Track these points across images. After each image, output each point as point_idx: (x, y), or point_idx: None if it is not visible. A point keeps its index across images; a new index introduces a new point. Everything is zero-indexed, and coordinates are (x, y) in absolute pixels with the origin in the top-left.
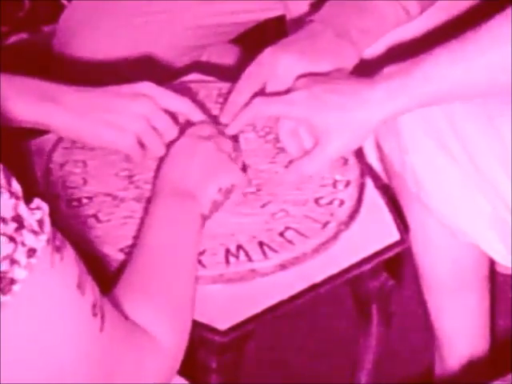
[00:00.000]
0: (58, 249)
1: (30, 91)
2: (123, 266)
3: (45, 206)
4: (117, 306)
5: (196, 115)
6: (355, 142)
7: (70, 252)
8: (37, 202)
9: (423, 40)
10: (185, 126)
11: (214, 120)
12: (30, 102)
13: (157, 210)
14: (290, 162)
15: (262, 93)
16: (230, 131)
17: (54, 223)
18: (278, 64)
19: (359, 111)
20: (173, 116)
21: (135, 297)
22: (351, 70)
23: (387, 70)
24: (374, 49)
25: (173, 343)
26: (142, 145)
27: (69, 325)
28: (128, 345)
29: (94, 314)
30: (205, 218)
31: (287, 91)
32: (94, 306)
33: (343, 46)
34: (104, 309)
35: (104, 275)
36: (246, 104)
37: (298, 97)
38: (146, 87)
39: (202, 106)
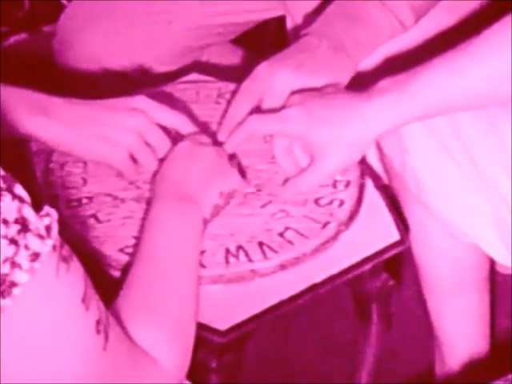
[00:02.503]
0: (64, 259)
1: (22, 103)
2: (125, 273)
3: (54, 213)
4: (118, 321)
5: (190, 130)
6: (352, 157)
7: (77, 265)
8: (47, 208)
9: (418, 51)
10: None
11: (212, 136)
12: (21, 113)
13: (157, 216)
14: (286, 180)
15: (258, 108)
16: (227, 149)
17: (62, 234)
18: (274, 78)
19: (355, 126)
20: (166, 130)
21: (136, 314)
22: (346, 84)
23: (382, 83)
24: (369, 61)
25: (174, 365)
26: (134, 160)
27: (70, 338)
28: (130, 366)
29: (98, 332)
30: (206, 222)
31: (282, 108)
32: (98, 323)
33: (339, 59)
34: (108, 327)
35: (104, 278)
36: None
37: (292, 113)
38: (140, 101)
39: (202, 107)
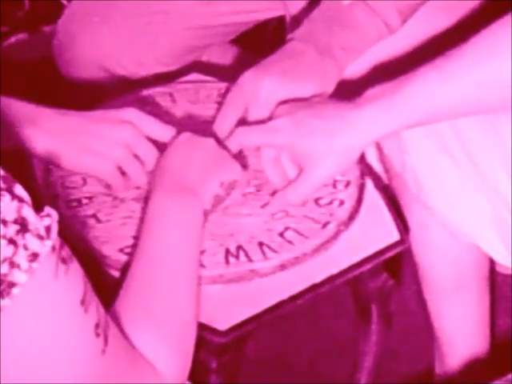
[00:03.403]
0: (63, 260)
1: (11, 113)
2: (124, 273)
3: (54, 214)
4: (118, 323)
5: None
6: (342, 167)
7: (76, 267)
8: (47, 209)
9: (405, 55)
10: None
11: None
12: (10, 124)
13: (156, 207)
14: (274, 192)
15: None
16: None
17: (61, 234)
18: (260, 87)
19: (345, 135)
20: (155, 142)
21: (136, 316)
22: (334, 91)
23: (371, 91)
24: (358, 68)
25: (175, 368)
26: (123, 172)
27: (68, 340)
28: (129, 371)
29: (97, 335)
30: (207, 213)
31: (269, 118)
32: (97, 326)
33: (326, 65)
34: (108, 331)
35: (104, 278)
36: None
37: (280, 124)
38: (129, 113)
39: (202, 107)
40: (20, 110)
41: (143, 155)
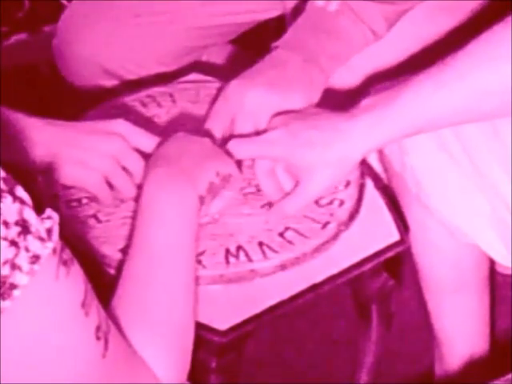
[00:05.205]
0: (64, 262)
1: (5, 125)
2: (121, 268)
3: (55, 216)
4: (116, 323)
5: None
6: (338, 177)
7: (77, 270)
8: (48, 211)
9: (395, 62)
10: None
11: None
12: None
13: (151, 194)
14: (270, 204)
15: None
16: None
17: (62, 237)
18: (245, 98)
19: (341, 146)
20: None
21: (132, 316)
22: (325, 100)
23: (366, 101)
24: (344, 76)
25: (173, 372)
26: (111, 185)
27: (68, 343)
28: (128, 374)
29: (98, 338)
30: (202, 200)
31: (256, 129)
32: (98, 329)
33: (312, 73)
34: (108, 334)
35: (104, 278)
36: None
37: (276, 136)
38: (119, 125)
39: (202, 107)
40: (11, 120)
41: (131, 167)
